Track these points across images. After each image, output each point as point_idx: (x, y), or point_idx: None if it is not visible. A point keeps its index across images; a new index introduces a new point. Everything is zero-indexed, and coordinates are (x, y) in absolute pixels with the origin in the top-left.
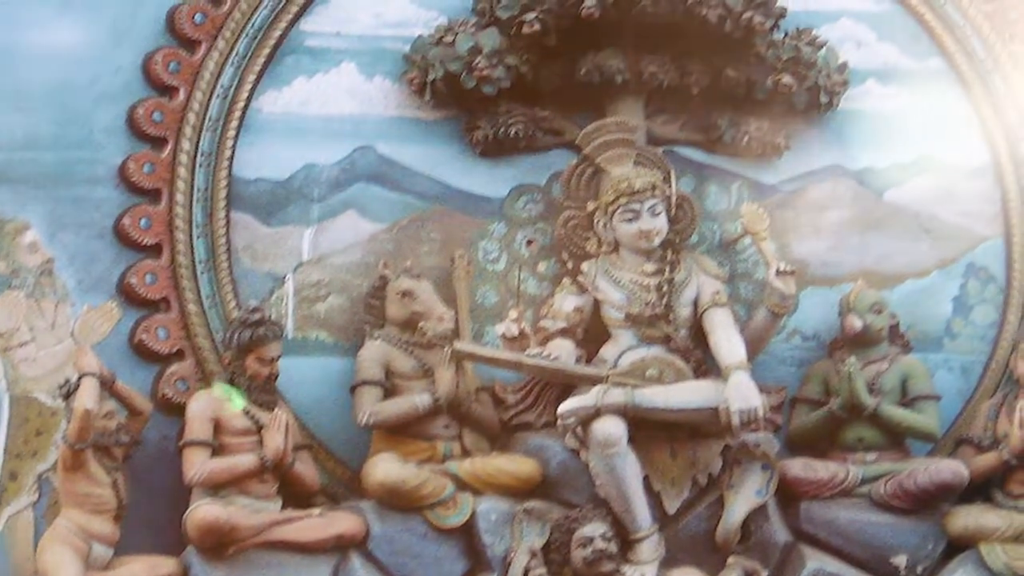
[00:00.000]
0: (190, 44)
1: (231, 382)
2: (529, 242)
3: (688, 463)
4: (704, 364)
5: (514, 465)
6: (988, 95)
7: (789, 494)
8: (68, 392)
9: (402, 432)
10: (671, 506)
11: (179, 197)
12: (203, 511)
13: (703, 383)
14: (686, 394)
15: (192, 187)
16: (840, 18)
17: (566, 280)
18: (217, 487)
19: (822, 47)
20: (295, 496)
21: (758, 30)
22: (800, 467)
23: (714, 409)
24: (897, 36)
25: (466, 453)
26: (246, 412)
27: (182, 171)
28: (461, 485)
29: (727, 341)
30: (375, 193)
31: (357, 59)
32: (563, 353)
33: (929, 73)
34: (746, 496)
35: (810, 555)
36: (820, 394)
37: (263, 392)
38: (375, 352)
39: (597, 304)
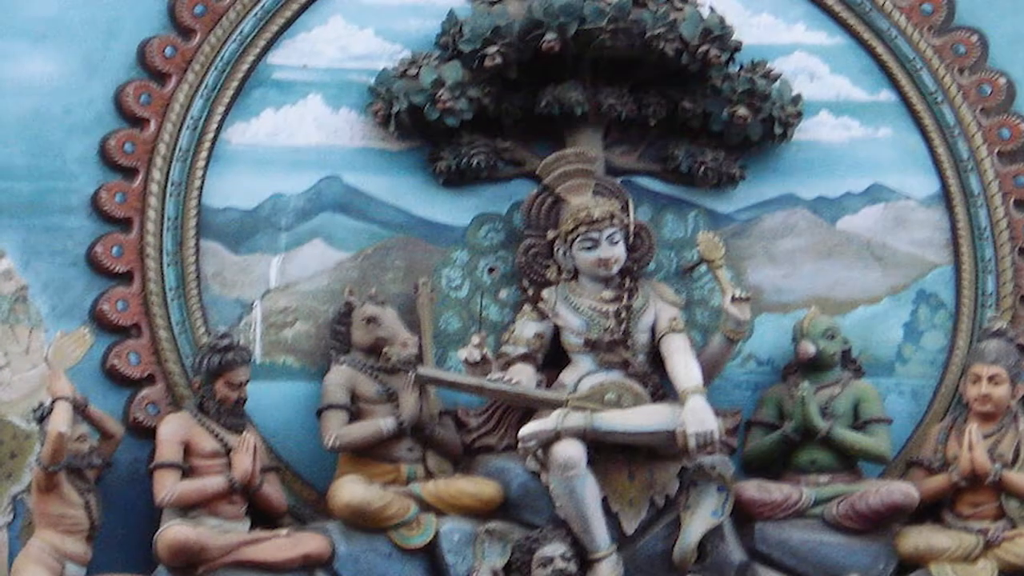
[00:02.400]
0: (161, 77)
1: (201, 407)
2: (491, 270)
3: (645, 485)
4: (662, 388)
5: (476, 487)
6: (937, 127)
7: (744, 515)
8: (42, 416)
9: (367, 454)
10: (629, 527)
11: (150, 226)
12: (173, 532)
13: (661, 407)
14: (644, 417)
15: (163, 216)
16: (794, 51)
17: (527, 307)
18: (187, 508)
19: (776, 79)
20: (263, 517)
21: (714, 63)
22: (755, 489)
23: (671, 432)
24: (849, 69)
25: (429, 475)
26: (215, 435)
27: (153, 200)
28: (425, 506)
29: (684, 366)
30: (341, 222)
31: (323, 92)
32: (524, 378)
33: (881, 105)
34: (702, 517)
35: (764, 575)
36: (774, 418)
37: (232, 416)
38: (341, 377)
39: (557, 330)
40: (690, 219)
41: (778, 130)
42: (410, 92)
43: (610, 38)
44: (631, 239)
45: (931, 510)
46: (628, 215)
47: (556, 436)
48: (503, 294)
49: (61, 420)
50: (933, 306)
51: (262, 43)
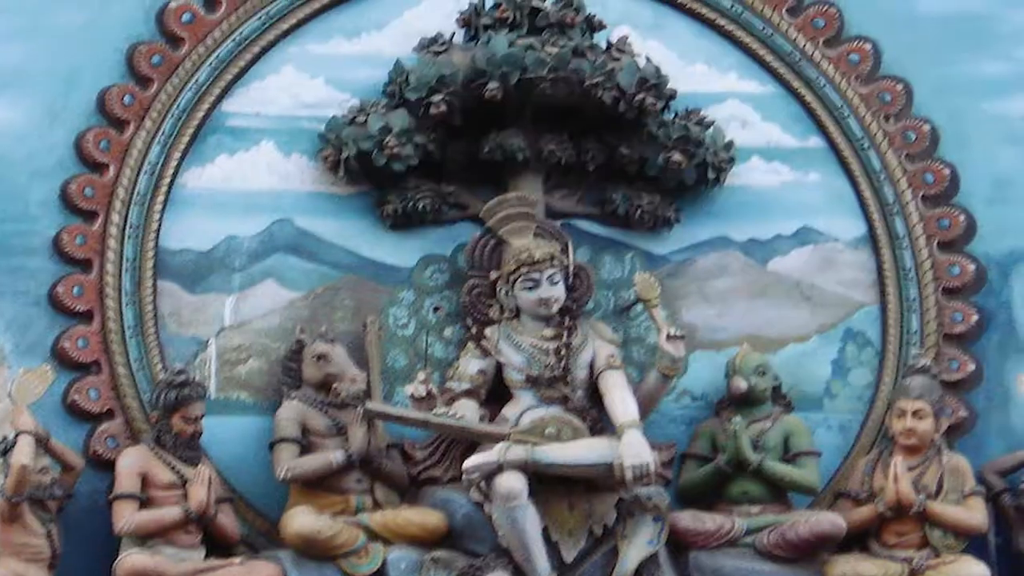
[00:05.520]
0: (119, 124)
1: (158, 440)
2: (436, 309)
3: (584, 515)
4: (600, 423)
5: (422, 517)
6: (864, 171)
7: (679, 544)
8: (5, 449)
9: (317, 486)
10: (568, 555)
11: (109, 267)
12: (131, 560)
13: (599, 441)
14: (582, 451)
15: (121, 258)
16: (727, 99)
17: (470, 344)
18: (145, 537)
19: (710, 126)
20: (217, 545)
21: (650, 111)
22: (689, 518)
23: (609, 465)
24: (780, 116)
25: (377, 506)
26: (172, 467)
27: (112, 243)
28: (373, 535)
29: (621, 401)
30: (292, 263)
31: (275, 138)
32: (468, 412)
33: (809, 151)
34: (639, 546)
35: None
36: (708, 450)
37: (188, 449)
38: (292, 412)
39: (500, 367)
40: (627, 260)
41: (711, 175)
42: (358, 139)
43: (550, 87)
44: (570, 279)
45: (858, 539)
46: (568, 256)
47: (499, 468)
48: (448, 332)
49: (24, 453)
50: (860, 344)
51: (217, 92)
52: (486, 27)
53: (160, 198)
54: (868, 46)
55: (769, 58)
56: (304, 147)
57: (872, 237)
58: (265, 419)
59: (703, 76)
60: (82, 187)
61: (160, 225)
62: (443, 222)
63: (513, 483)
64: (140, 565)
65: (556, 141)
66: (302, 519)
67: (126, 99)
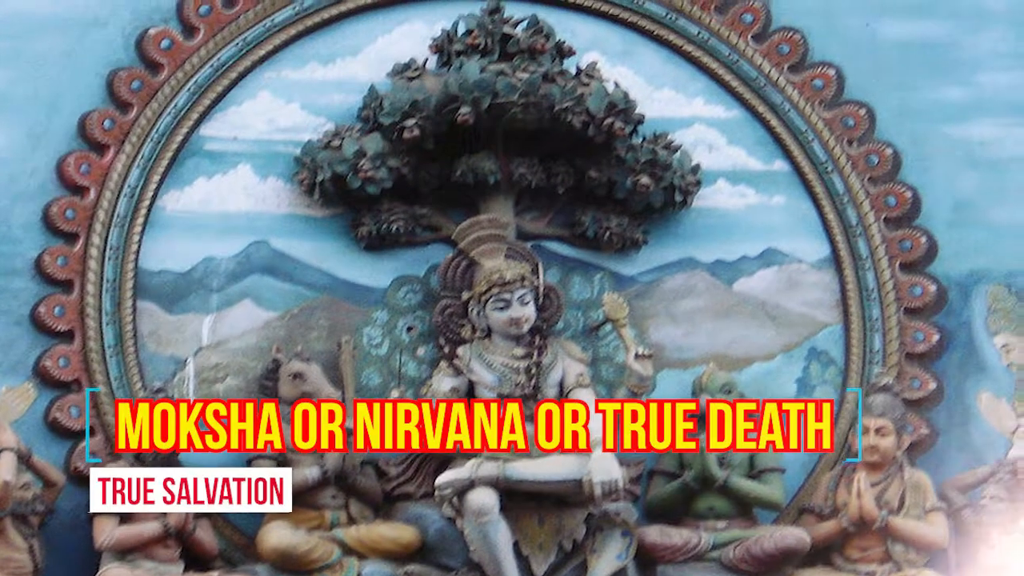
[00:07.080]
0: (100, 148)
1: (138, 457)
2: (409, 328)
3: (555, 530)
4: None
5: (395, 532)
6: (828, 194)
7: (647, 558)
8: None
9: (294, 501)
10: (539, 569)
11: (90, 287)
12: (112, 574)
13: (568, 457)
14: (553, 467)
15: (102, 278)
16: (693, 124)
17: (443, 363)
18: (124, 552)
19: (677, 150)
20: (196, 560)
21: (618, 135)
22: (657, 533)
23: (579, 481)
24: (745, 140)
25: (352, 521)
26: None
27: (93, 264)
28: (347, 550)
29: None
30: (269, 284)
31: (252, 161)
32: None
33: (775, 174)
34: (608, 560)
35: None
36: (675, 467)
37: (167, 465)
38: None
39: (472, 385)
40: (596, 281)
41: (678, 198)
42: (333, 162)
43: (521, 111)
44: (541, 300)
45: (822, 554)
46: (538, 277)
47: (471, 484)
48: (421, 351)
49: (6, 469)
50: (823, 363)
51: (195, 116)
52: (458, 53)
53: (139, 220)
54: (832, 72)
55: (735, 84)
56: (280, 170)
57: (836, 258)
58: None
59: (670, 101)
60: (63, 209)
61: (139, 246)
62: (416, 244)
63: (485, 499)
64: None
65: (527, 164)
66: (278, 534)
67: (106, 123)
